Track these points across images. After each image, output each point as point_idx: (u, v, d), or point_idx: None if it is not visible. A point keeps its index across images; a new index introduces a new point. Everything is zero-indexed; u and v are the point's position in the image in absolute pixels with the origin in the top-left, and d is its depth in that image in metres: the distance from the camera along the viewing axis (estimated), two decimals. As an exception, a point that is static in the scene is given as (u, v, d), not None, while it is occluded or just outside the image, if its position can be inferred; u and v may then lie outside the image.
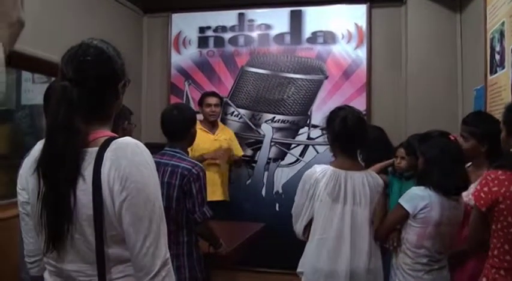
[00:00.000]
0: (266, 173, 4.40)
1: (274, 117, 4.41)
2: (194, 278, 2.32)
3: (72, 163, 1.11)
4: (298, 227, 2.23)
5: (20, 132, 4.03)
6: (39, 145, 1.21)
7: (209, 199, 3.61)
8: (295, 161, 4.40)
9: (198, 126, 3.81)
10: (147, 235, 1.11)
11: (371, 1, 4.29)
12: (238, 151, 4.07)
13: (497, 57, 2.78)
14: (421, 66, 3.98)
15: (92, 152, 1.13)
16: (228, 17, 4.55)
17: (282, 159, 4.33)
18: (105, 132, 1.19)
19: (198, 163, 2.39)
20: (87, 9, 3.69)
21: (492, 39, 2.87)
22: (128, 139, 1.17)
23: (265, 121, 4.39)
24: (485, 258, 1.76)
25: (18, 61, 3.01)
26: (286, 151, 4.41)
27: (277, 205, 4.35)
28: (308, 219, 2.20)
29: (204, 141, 3.72)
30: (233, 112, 4.46)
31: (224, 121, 4.42)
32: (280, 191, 4.39)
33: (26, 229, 1.31)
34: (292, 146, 4.42)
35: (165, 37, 4.67)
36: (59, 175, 1.11)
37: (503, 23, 2.66)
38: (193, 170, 2.27)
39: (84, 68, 1.16)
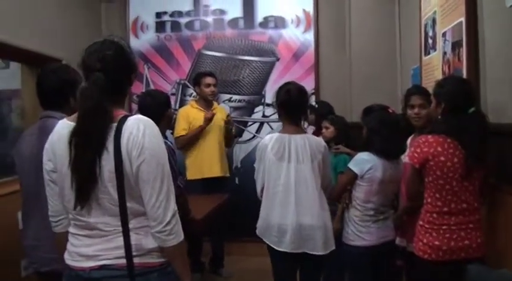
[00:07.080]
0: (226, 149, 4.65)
1: (231, 98, 4.70)
2: None
3: (100, 137, 1.38)
4: (258, 188, 2.55)
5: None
6: (62, 124, 1.48)
7: (207, 175, 3.88)
8: (251, 138, 4.71)
9: (194, 105, 3.98)
10: (159, 191, 1.41)
11: (317, -12, 4.59)
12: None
13: (430, 41, 3.17)
14: (364, 49, 4.33)
15: (113, 127, 1.40)
16: (183, 2, 4.74)
17: (240, 136, 4.61)
18: (121, 111, 1.47)
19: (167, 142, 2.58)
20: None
21: (426, 26, 3.24)
22: (140, 116, 1.46)
23: (223, 101, 4.64)
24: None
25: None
26: (243, 128, 4.71)
27: (236, 179, 4.64)
28: (263, 179, 2.51)
29: (199, 119, 3.91)
30: (191, 93, 4.68)
31: (183, 102, 4.65)
32: (239, 165, 4.70)
33: (51, 194, 1.56)
34: (249, 123, 4.73)
35: (123, 22, 4.78)
36: (88, 146, 1.38)
37: (435, 12, 3.02)
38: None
39: (108, 60, 1.43)
